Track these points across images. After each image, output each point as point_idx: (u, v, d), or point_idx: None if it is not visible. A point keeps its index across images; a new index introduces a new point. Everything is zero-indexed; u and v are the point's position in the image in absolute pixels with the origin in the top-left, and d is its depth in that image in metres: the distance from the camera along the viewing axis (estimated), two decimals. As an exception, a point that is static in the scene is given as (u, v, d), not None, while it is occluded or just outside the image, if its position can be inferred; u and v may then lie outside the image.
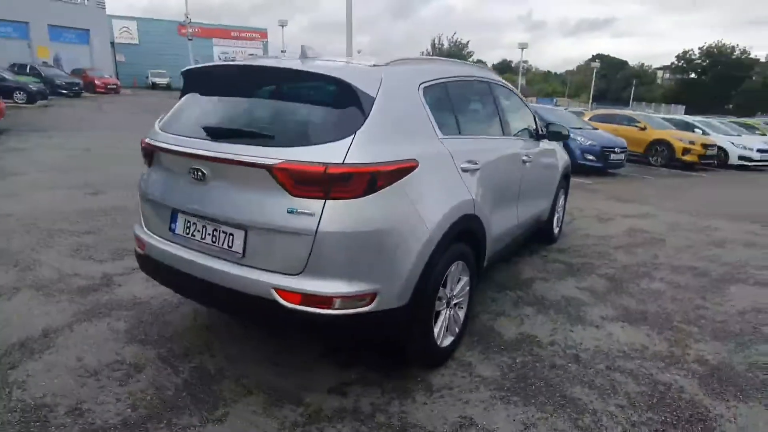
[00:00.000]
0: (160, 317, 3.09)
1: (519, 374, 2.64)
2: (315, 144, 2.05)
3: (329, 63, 2.38)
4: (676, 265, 4.68)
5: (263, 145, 2.10)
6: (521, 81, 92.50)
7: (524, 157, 3.70)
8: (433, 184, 2.37)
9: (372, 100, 2.16)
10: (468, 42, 61.48)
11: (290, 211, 2.03)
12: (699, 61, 71.31)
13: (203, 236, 2.31)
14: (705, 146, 12.83)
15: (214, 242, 2.27)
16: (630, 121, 14.18)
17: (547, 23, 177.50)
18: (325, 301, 2.05)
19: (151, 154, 2.54)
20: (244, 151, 2.10)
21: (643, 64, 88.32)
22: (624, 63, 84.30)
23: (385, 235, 2.10)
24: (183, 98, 2.69)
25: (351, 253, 2.05)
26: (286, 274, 2.09)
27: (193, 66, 2.67)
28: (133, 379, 2.45)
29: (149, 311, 3.17)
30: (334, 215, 2.00)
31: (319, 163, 1.98)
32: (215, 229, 2.27)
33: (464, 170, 2.66)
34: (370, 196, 2.04)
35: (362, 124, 2.09)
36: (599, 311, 3.51)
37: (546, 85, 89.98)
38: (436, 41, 62.18)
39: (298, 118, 2.25)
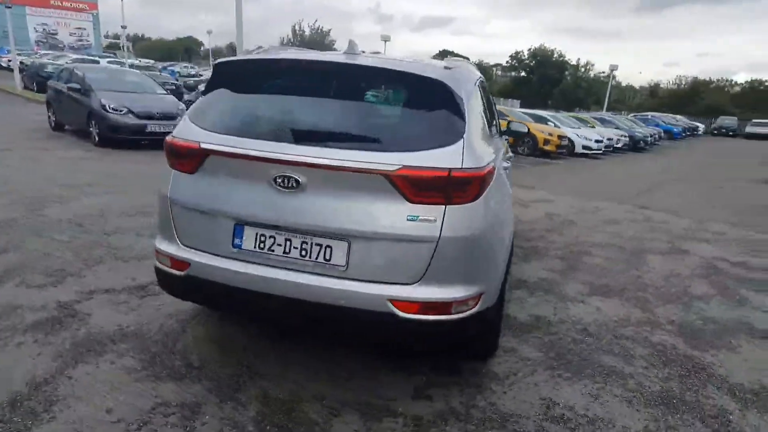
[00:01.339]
0: (172, 345, 2.67)
1: (556, 352, 2.92)
2: (428, 149, 2.00)
3: (405, 62, 2.31)
4: (597, 242, 5.51)
5: (375, 150, 1.97)
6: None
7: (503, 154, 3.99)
8: (501, 185, 2.48)
9: (463, 102, 2.17)
10: (330, 30, 61.34)
11: (410, 219, 1.96)
12: (527, 61, 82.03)
13: (287, 250, 2.08)
14: (560, 137, 15.02)
15: (304, 256, 2.07)
16: (500, 115, 15.82)
17: (395, 17, 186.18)
18: (444, 307, 2.04)
19: (198, 157, 2.17)
20: (356, 157, 1.94)
21: (482, 61, 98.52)
22: (466, 59, 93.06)
23: (490, 237, 2.16)
24: (218, 92, 2.35)
25: (467, 257, 2.06)
26: (401, 283, 2.02)
27: (237, 57, 2.34)
28: (197, 422, 2.11)
29: (153, 340, 2.71)
30: (455, 220, 1.99)
31: (442, 168, 1.95)
32: (304, 242, 2.06)
33: (504, 169, 2.81)
34: (479, 199, 2.07)
35: (464, 128, 2.10)
36: (574, 288, 4.00)
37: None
38: (297, 27, 60.77)
39: (399, 121, 2.15)
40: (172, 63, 44.29)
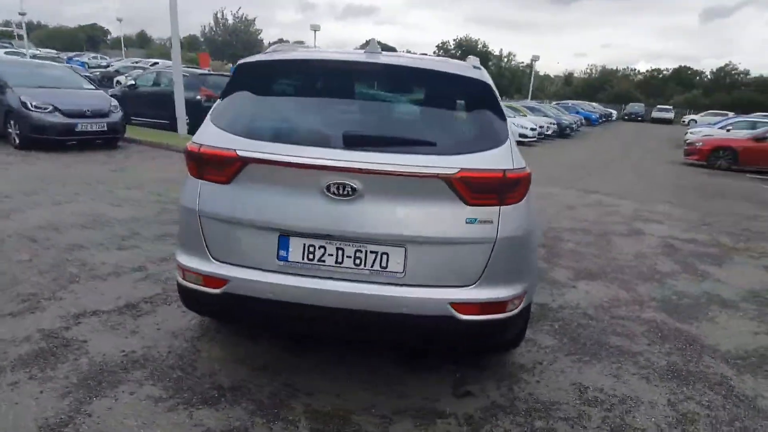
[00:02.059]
0: (191, 368, 2.48)
1: (569, 338, 3.07)
2: (481, 150, 2.00)
3: (440, 62, 2.28)
4: (564, 227, 5.82)
5: (431, 154, 1.94)
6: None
7: None
8: None
9: (500, 102, 2.20)
10: (255, 18, 59.07)
11: (469, 221, 1.96)
12: (453, 51, 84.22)
13: (339, 260, 2.01)
14: (499, 126, 15.63)
15: (358, 265, 2.00)
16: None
17: (318, 5, 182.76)
18: (501, 306, 2.07)
19: (235, 166, 2.01)
20: (414, 162, 1.90)
21: (409, 51, 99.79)
22: (393, 49, 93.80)
23: (533, 235, 2.21)
24: (244, 94, 2.19)
25: (518, 255, 2.10)
26: (460, 286, 2.02)
27: (263, 57, 2.19)
28: (251, 446, 1.99)
29: (168, 364, 2.50)
30: (508, 221, 2.02)
31: (497, 169, 1.97)
32: (358, 251, 2.00)
33: None
34: (524, 199, 2.11)
35: (507, 129, 2.12)
36: (562, 274, 4.21)
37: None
38: (219, 15, 57.89)
39: (448, 123, 2.12)
40: (78, 53, 40.45)
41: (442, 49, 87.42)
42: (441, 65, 2.17)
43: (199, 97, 11.71)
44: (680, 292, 3.98)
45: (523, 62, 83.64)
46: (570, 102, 36.48)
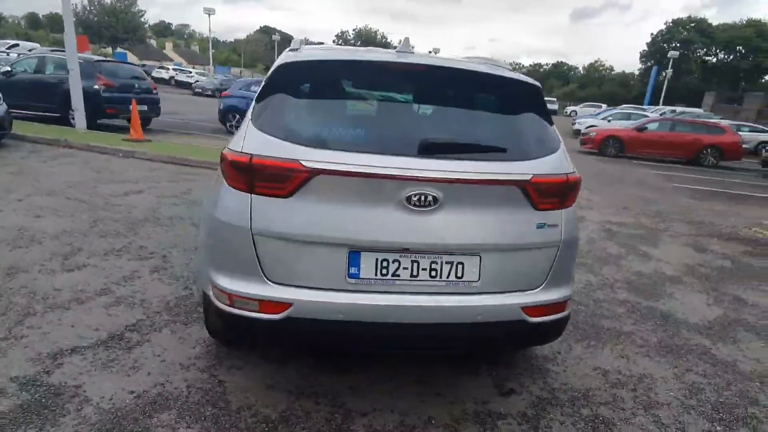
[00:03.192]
0: (225, 404, 2.23)
1: (570, 324, 3.27)
2: (543, 156, 2.03)
3: (491, 64, 2.26)
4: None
5: (503, 160, 1.93)
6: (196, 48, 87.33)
7: None
8: None
9: (546, 105, 2.25)
10: (137, -1, 53.55)
11: (539, 226, 1.99)
12: (353, 41, 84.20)
13: (414, 273, 1.92)
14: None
15: (434, 276, 1.93)
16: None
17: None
18: (562, 306, 2.14)
19: (299, 178, 1.81)
20: (491, 169, 1.88)
21: (307, 39, 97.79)
22: (289, 37, 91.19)
23: (578, 238, 2.31)
24: (292, 99, 1.99)
25: (573, 256, 2.18)
26: (529, 290, 2.04)
27: (307, 58, 1.98)
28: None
29: (195, 402, 2.22)
30: (568, 223, 2.08)
31: (561, 174, 2.01)
32: (434, 262, 1.93)
33: None
34: (575, 202, 2.19)
35: (556, 132, 2.18)
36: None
37: (216, 52, 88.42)
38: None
39: (510, 128, 2.09)
40: None
41: (342, 39, 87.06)
42: (496, 69, 2.15)
43: (97, 86, 10.38)
44: (636, 271, 4.44)
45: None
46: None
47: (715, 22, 52.79)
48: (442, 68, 2.10)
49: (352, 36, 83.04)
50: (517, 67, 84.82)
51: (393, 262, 1.90)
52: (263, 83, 2.03)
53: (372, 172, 1.79)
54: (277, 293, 1.88)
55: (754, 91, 33.57)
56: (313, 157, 1.80)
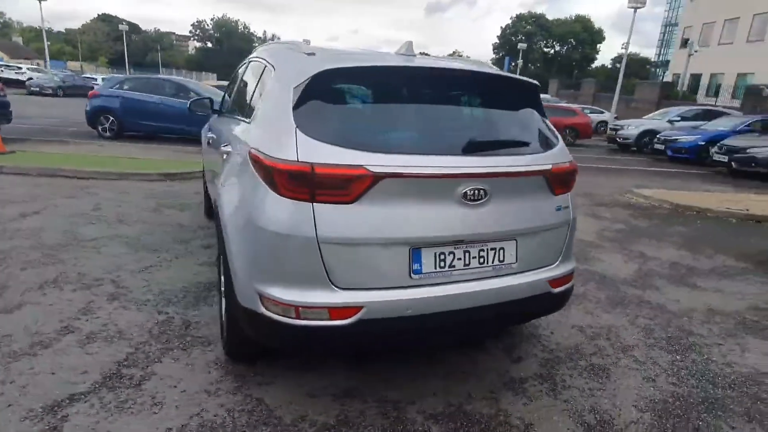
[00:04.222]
0: (277, 420, 2.17)
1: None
2: (552, 147, 2.33)
3: (483, 63, 2.47)
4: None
5: (530, 153, 2.18)
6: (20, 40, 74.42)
7: None
8: None
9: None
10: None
11: (558, 209, 2.29)
12: (212, 32, 79.02)
13: (467, 262, 2.08)
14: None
15: (482, 263, 2.12)
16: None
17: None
18: (571, 276, 2.47)
19: (365, 183, 1.84)
20: (525, 162, 2.12)
21: (157, 29, 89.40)
22: (136, 26, 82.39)
23: None
24: (332, 104, 2.01)
25: (574, 234, 2.52)
26: (551, 265, 2.34)
27: (345, 65, 2.00)
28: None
29: (245, 424, 2.12)
30: (572, 204, 2.42)
31: (568, 162, 2.33)
32: (481, 250, 2.11)
33: None
34: None
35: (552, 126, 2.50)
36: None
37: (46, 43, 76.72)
38: None
39: (525, 124, 2.32)
40: None
41: (199, 29, 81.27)
42: (501, 72, 2.37)
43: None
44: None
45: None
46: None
47: (550, 17, 60.34)
48: (472, 72, 2.27)
49: (210, 26, 77.84)
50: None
51: (449, 255, 2.04)
52: (301, 89, 1.97)
53: (433, 172, 1.91)
54: (347, 298, 1.90)
55: (587, 78, 39.32)
56: (377, 162, 1.85)
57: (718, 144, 11.45)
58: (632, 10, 21.32)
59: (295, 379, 2.45)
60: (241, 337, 2.30)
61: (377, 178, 1.85)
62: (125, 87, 11.38)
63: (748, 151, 10.47)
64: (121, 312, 3.03)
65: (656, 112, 17.64)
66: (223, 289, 2.48)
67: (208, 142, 3.67)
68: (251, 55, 3.51)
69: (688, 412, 2.39)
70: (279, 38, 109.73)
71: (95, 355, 2.55)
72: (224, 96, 4.24)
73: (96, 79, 33.07)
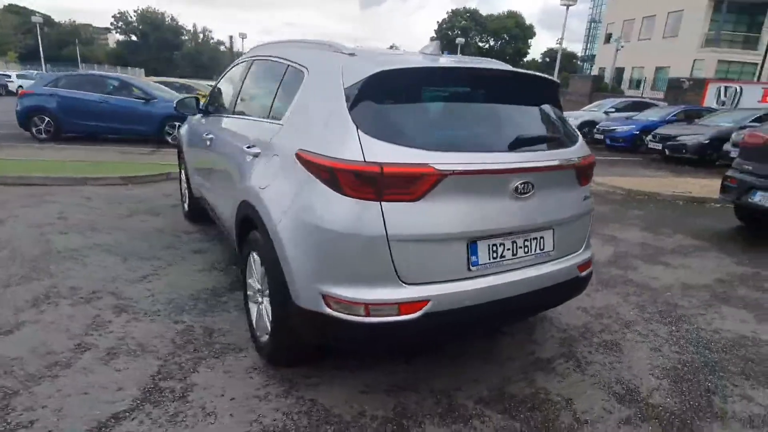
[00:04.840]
0: (339, 419, 2.19)
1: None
2: (576, 141, 2.50)
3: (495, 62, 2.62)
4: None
5: (563, 147, 2.33)
6: None
7: None
8: None
9: None
10: None
11: (585, 198, 2.48)
12: (136, 24, 74.19)
13: (514, 252, 2.21)
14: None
15: (527, 252, 2.25)
16: (190, 89, 14.78)
17: None
18: (590, 261, 2.67)
19: (431, 181, 1.91)
20: (561, 155, 2.27)
21: (73, 21, 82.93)
22: (49, 18, 75.87)
23: None
24: (389, 104, 2.06)
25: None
26: (577, 251, 2.52)
27: (401, 66, 2.05)
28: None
29: (309, 424, 2.13)
30: (591, 194, 2.61)
31: (589, 155, 2.51)
32: (525, 240, 2.24)
33: None
34: None
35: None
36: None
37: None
38: None
39: (552, 120, 2.46)
40: None
41: (121, 20, 76.13)
42: (522, 70, 2.51)
43: None
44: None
45: (214, 39, 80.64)
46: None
47: (483, 12, 62.36)
48: (512, 72, 2.39)
49: (134, 18, 73.08)
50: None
51: (500, 246, 2.16)
52: (356, 90, 1.99)
53: (492, 168, 2.01)
54: (414, 293, 1.97)
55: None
56: (442, 160, 1.92)
57: (652, 133, 12.48)
58: (564, 7, 22.60)
59: (340, 378, 2.47)
60: (291, 340, 2.29)
61: (442, 176, 1.92)
62: (61, 85, 10.53)
63: (678, 139, 11.50)
64: (134, 324, 2.89)
65: (592, 104, 18.81)
66: (262, 293, 2.45)
67: (207, 143, 3.54)
68: (251, 55, 3.43)
69: (696, 375, 2.68)
70: (211, 31, 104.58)
71: (125, 371, 2.43)
72: (211, 96, 4.10)
73: (10, 77, 30.23)
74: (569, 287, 2.51)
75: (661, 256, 4.73)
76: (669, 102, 18.11)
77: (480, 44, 63.49)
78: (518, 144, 2.17)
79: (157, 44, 71.69)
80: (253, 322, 2.67)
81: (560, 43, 24.14)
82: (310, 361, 2.53)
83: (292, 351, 2.41)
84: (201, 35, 77.75)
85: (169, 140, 10.49)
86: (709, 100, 17.13)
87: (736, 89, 16.63)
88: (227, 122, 3.31)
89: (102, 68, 52.62)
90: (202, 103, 4.18)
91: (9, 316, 2.89)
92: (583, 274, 2.55)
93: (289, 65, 2.63)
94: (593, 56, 45.61)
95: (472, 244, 2.08)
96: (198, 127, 4.08)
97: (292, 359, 2.47)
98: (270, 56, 3.01)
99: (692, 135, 11.41)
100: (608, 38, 36.71)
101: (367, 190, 1.88)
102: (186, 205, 4.99)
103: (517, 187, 2.10)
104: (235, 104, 3.33)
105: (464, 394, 2.40)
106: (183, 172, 4.96)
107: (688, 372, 2.70)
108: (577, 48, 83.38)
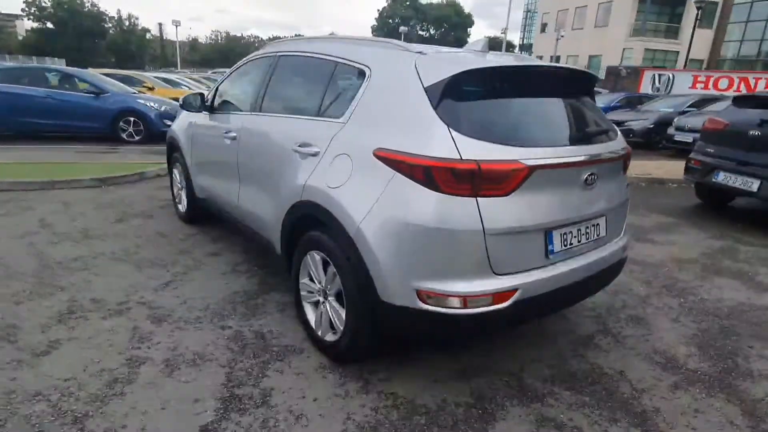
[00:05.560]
0: (426, 409, 2.26)
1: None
2: (617, 133, 2.69)
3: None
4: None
5: (611, 140, 2.51)
6: None
7: None
8: None
9: None
10: None
11: (627, 186, 2.67)
12: (53, 10, 68.18)
13: (579, 240, 2.36)
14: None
15: (589, 239, 2.42)
16: (135, 82, 13.92)
17: None
18: (627, 245, 2.88)
19: (521, 177, 2.00)
20: (614, 147, 2.46)
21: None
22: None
23: None
24: (474, 101, 2.13)
25: None
26: (620, 236, 2.72)
27: (484, 65, 2.11)
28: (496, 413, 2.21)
29: (400, 417, 2.19)
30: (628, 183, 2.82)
31: (627, 146, 2.71)
32: (587, 227, 2.40)
33: None
34: None
35: None
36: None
37: None
38: None
39: (599, 113, 2.62)
40: None
41: (35, 6, 69.71)
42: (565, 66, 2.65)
43: None
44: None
45: (139, 26, 75.49)
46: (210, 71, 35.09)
47: (423, 1, 62.83)
48: (569, 69, 2.53)
49: (49, 3, 67.03)
50: (255, 39, 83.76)
51: (569, 234, 2.30)
52: (440, 89, 2.03)
53: (570, 161, 2.14)
54: (506, 283, 2.07)
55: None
56: (530, 156, 2.02)
57: (600, 119, 13.28)
58: (508, -3, 23.27)
59: (410, 369, 2.54)
60: (372, 337, 2.33)
61: (531, 170, 2.02)
62: (23, 81, 9.53)
63: (625, 124, 12.34)
64: (181, 334, 2.78)
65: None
66: (326, 292, 2.47)
67: (226, 142, 3.43)
68: (272, 51, 3.35)
69: (718, 340, 2.99)
70: (137, 18, 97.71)
71: (193, 382, 2.36)
72: (215, 92, 3.95)
73: None
74: (617, 268, 2.71)
75: (647, 234, 5.13)
76: (608, 89, 19.31)
77: (420, 33, 64.12)
78: (584, 137, 2.33)
79: (77, 32, 66.36)
80: (311, 321, 2.66)
81: (505, 33, 25.03)
82: (376, 357, 2.57)
83: (370, 348, 2.44)
84: (126, 22, 72.52)
85: (125, 137, 9.90)
86: (645, 87, 18.46)
87: (669, 76, 18.04)
88: (256, 120, 3.21)
89: (15, 59, 47.97)
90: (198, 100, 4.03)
91: (37, 335, 2.69)
92: (624, 255, 2.76)
93: (339, 62, 2.61)
94: (531, 45, 47.48)
95: (548, 234, 2.20)
96: (206, 126, 3.92)
97: (363, 356, 2.49)
98: (305, 52, 2.96)
99: (638, 120, 12.29)
100: (543, 28, 38.32)
101: (464, 187, 1.95)
102: (182, 207, 4.79)
103: (586, 179, 2.24)
104: (262, 102, 3.24)
105: (529, 375, 2.54)
106: (177, 172, 4.75)
107: (710, 338, 3.01)
108: (514, 37, 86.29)
